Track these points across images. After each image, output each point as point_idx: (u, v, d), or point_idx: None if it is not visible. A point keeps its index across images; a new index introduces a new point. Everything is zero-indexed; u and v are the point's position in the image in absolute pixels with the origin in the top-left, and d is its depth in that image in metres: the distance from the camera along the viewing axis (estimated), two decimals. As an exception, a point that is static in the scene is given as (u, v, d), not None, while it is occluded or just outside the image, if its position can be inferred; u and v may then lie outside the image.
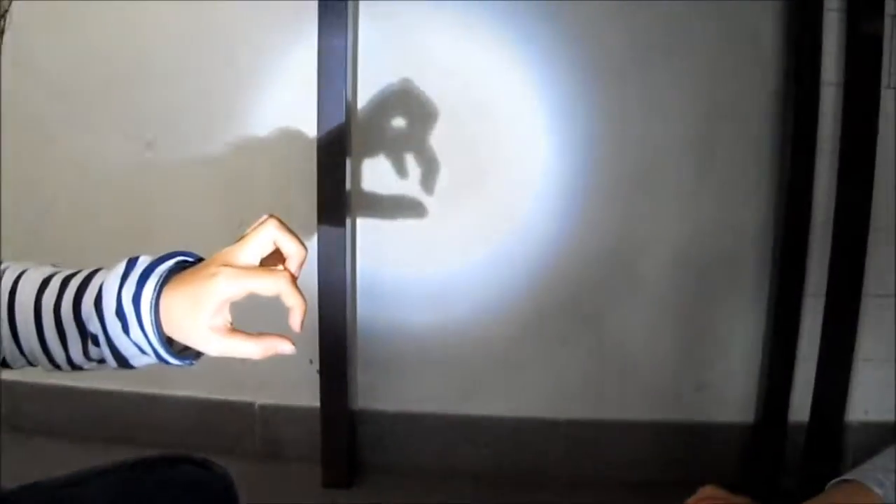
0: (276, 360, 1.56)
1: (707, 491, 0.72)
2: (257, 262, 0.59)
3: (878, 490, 0.69)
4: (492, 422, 1.59)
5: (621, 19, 1.47)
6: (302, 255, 0.61)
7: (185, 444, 1.56)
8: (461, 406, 1.59)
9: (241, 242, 0.59)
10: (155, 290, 0.58)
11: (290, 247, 0.60)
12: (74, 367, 0.63)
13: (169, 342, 0.59)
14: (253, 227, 0.61)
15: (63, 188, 1.60)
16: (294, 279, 0.59)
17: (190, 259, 0.62)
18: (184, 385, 1.61)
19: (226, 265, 0.57)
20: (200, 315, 0.56)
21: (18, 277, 0.63)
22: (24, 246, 1.58)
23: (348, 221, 1.49)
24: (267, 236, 0.59)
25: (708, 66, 1.48)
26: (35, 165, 1.59)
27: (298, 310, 0.59)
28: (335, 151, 1.45)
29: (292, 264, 0.61)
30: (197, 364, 0.62)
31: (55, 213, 1.60)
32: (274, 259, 0.61)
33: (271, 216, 0.61)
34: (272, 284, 0.57)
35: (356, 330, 1.57)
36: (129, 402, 1.63)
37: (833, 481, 0.74)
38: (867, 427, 1.57)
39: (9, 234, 1.54)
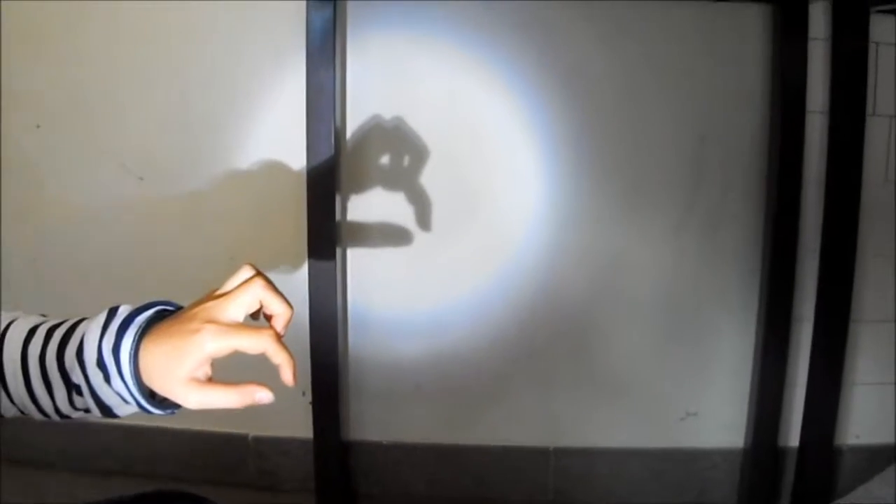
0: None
1: None
2: (241, 320, 0.60)
3: None
4: (483, 451, 1.60)
5: (610, 50, 1.48)
6: (288, 315, 0.62)
7: (179, 476, 1.58)
8: (452, 436, 1.60)
9: (226, 298, 0.60)
10: (133, 341, 0.59)
11: (276, 307, 0.61)
12: (62, 416, 0.65)
13: (152, 392, 0.60)
14: (237, 279, 0.61)
15: (54, 224, 1.60)
16: (279, 337, 0.60)
17: (170, 308, 0.63)
18: (178, 417, 1.60)
19: (210, 321, 0.57)
20: (181, 369, 0.57)
21: (7, 328, 0.64)
22: (20, 281, 1.60)
23: (338, 254, 1.51)
24: (253, 295, 0.60)
25: (695, 96, 1.49)
26: (26, 200, 1.60)
27: (287, 366, 0.60)
28: (324, 184, 1.46)
29: (278, 324, 0.62)
30: (178, 413, 0.63)
31: (49, 249, 1.61)
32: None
33: (258, 274, 0.62)
34: (257, 343, 0.58)
35: (348, 362, 1.58)
36: (124, 433, 1.64)
37: None
38: (858, 451, 1.58)
39: (4, 269, 1.56)
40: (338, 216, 1.49)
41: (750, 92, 1.49)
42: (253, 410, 1.59)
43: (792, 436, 1.56)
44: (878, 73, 1.48)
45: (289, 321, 0.62)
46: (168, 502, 0.80)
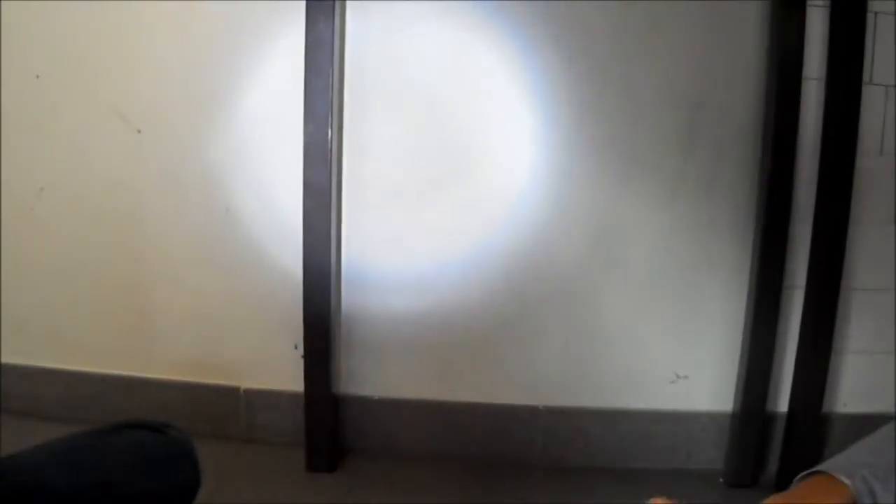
0: (261, 345, 1.58)
1: (657, 502, 0.71)
2: None
3: (847, 481, 0.68)
4: (472, 408, 1.61)
5: (606, 16, 1.48)
6: None
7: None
8: (442, 392, 1.60)
9: None
10: None
11: None
12: None
13: None
14: None
15: (55, 172, 1.61)
16: None
17: None
18: (170, 369, 1.63)
19: None
20: None
21: None
22: (19, 230, 1.61)
23: (333, 209, 1.51)
24: None
25: (691, 61, 1.50)
26: (27, 149, 1.61)
27: None
28: (321, 140, 1.46)
29: None
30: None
31: (48, 196, 1.62)
32: None
33: None
34: None
35: (340, 316, 1.59)
36: (117, 384, 1.65)
37: (802, 474, 0.73)
38: (846, 419, 1.59)
39: (4, 218, 1.57)
40: (333, 171, 1.50)
41: (747, 57, 1.49)
42: (245, 363, 1.60)
43: (781, 402, 1.57)
44: (875, 42, 1.48)
45: None
46: (127, 432, 0.79)
